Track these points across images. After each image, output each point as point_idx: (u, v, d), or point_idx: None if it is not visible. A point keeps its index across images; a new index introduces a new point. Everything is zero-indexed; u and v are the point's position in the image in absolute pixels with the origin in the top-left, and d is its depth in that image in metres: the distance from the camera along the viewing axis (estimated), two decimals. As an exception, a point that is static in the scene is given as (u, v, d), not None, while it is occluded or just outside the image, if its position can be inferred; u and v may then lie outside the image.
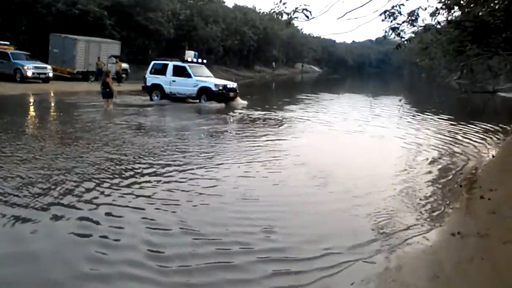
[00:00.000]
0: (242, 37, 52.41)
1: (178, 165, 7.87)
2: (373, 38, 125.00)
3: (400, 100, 21.23)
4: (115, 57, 33.37)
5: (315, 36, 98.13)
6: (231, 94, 19.37)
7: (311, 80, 62.70)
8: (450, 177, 7.81)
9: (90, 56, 31.51)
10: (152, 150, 8.99)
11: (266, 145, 10.49)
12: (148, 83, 20.29)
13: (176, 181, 6.91)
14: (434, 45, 13.03)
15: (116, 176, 7.00)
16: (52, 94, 21.44)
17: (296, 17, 4.89)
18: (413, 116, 18.42)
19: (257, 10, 66.42)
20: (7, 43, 26.46)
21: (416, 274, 3.88)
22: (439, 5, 11.10)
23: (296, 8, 4.91)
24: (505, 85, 25.86)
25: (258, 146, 10.23)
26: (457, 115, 17.89)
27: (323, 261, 4.23)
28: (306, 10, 4.85)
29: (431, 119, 17.51)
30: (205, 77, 19.79)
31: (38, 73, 24.99)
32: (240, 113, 16.94)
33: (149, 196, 6.04)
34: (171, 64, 20.04)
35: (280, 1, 4.93)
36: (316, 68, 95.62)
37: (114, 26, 36.70)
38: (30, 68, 24.32)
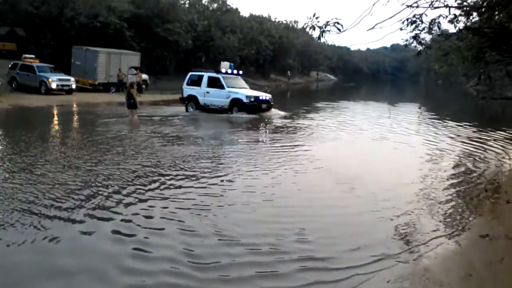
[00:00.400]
0: (258, 47, 52.94)
1: (209, 176, 8.05)
2: (388, 45, 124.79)
3: (419, 108, 21.24)
4: (135, 68, 34.08)
5: (330, 44, 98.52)
6: (264, 105, 18.93)
7: (327, 89, 62.77)
8: (475, 182, 7.97)
9: (111, 67, 32.23)
10: (182, 159, 9.27)
11: (294, 153, 10.72)
12: (185, 94, 20.30)
13: (207, 191, 7.11)
14: (453, 51, 13.21)
15: (150, 183, 7.30)
16: (76, 106, 22.00)
17: (329, 30, 5.15)
18: (433, 123, 18.47)
19: (273, 19, 67.27)
20: (33, 56, 27.31)
21: (449, 273, 4.09)
22: (458, 12, 11.30)
23: (328, 22, 5.17)
24: (525, 91, 25.72)
25: (286, 154, 10.47)
26: (477, 122, 17.92)
27: (360, 267, 4.42)
28: (338, 23, 5.11)
29: (452, 125, 17.56)
30: (238, 88, 19.36)
31: (62, 85, 25.75)
32: (266, 122, 17.18)
33: (183, 207, 6.22)
34: (206, 75, 19.98)
35: (314, 16, 5.19)
36: (331, 76, 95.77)
37: (133, 38, 37.54)
38: (54, 81, 25.07)
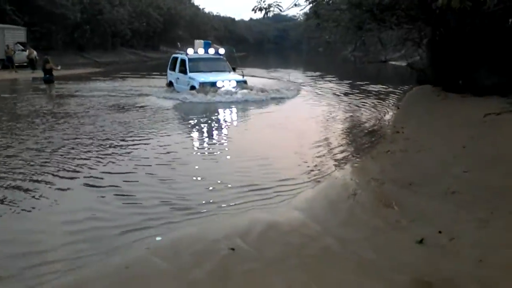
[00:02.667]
0: (148, 19, 52.44)
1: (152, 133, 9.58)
2: (270, 15, 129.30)
3: (315, 72, 23.85)
4: (22, 44, 32.40)
5: (215, 14, 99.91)
6: None
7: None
8: (373, 123, 10.56)
9: (-6, 43, 30.37)
10: (132, 124, 10.42)
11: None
12: (167, 80, 18.07)
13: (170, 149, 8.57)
14: (340, 22, 15.84)
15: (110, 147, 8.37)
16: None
17: (273, 10, 6.90)
18: (331, 82, 21.36)
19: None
20: None
21: (370, 171, 6.27)
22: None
23: (270, 5, 6.93)
24: (394, 55, 30.15)
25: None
26: (362, 81, 21.12)
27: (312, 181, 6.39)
28: (279, 5, 6.90)
29: (344, 84, 20.51)
30: (207, 72, 16.14)
31: None
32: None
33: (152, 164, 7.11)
34: (179, 58, 17.15)
35: (261, 0, 6.90)
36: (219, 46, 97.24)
37: (15, 11, 35.21)
38: None
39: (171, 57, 18.17)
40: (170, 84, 17.71)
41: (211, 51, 17.52)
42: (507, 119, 7.66)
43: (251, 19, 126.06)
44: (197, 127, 10.77)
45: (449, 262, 3.42)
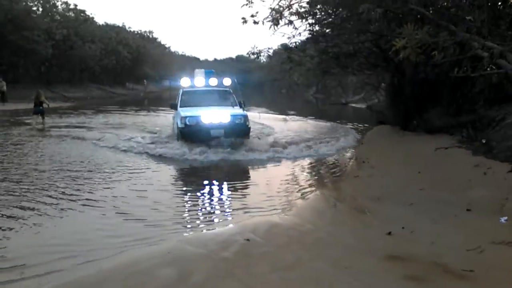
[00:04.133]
0: (117, 57, 53.59)
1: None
2: (234, 56, 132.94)
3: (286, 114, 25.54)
4: (-7, 76, 32.69)
5: (180, 53, 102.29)
6: (216, 132, 11.68)
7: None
8: (341, 155, 12.04)
9: (-38, 76, 30.66)
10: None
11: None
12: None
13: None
14: (309, 67, 17.57)
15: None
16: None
17: (264, 55, 8.36)
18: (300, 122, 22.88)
19: (127, 28, 67.97)
20: None
21: (344, 190, 7.59)
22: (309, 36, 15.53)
23: (260, 50, 8.39)
24: (354, 98, 32.49)
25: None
26: (330, 120, 22.73)
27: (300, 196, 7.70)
28: (268, 50, 8.38)
29: (313, 123, 22.04)
30: (204, 107, 12.39)
31: None
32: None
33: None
34: (180, 93, 13.83)
35: (254, 46, 8.39)
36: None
37: (-15, 46, 35.67)
38: None
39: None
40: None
41: (213, 82, 14.08)
42: (453, 152, 9.23)
43: (215, 59, 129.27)
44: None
45: (410, 245, 4.72)
